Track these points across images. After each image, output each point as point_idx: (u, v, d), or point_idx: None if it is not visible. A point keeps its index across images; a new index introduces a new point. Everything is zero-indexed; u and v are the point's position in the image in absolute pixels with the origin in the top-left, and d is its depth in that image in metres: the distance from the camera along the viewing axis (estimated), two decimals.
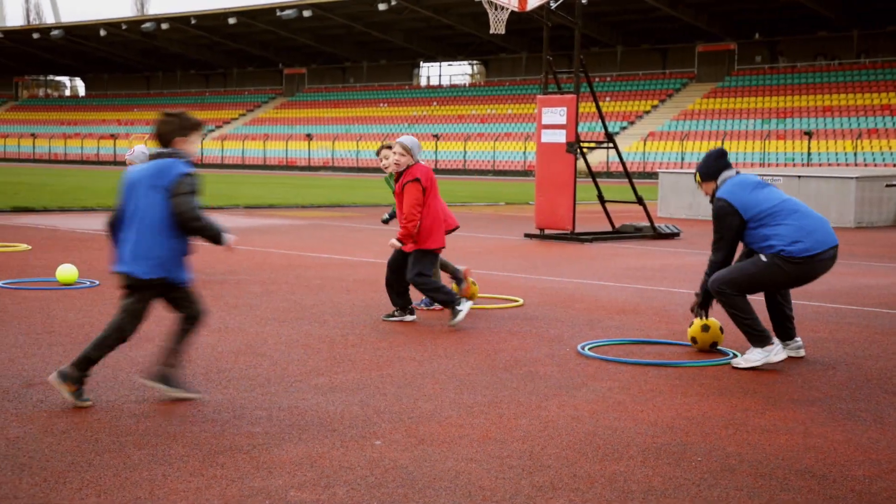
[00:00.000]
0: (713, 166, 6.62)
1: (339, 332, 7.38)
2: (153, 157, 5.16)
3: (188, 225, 5.01)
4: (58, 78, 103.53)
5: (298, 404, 5.22)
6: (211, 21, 73.38)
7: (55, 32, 79.92)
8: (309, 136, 71.33)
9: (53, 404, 5.08)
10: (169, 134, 5.10)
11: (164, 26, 74.44)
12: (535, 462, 4.31)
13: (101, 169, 62.57)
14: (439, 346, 6.94)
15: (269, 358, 6.39)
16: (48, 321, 7.57)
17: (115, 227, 5.18)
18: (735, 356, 6.59)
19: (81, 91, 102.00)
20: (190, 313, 5.30)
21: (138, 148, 10.18)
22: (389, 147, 8.37)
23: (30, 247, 13.23)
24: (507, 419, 5.01)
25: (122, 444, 4.42)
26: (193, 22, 73.88)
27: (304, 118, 78.05)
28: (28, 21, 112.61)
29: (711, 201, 6.63)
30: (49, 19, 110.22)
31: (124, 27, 77.81)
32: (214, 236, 5.11)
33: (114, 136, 78.45)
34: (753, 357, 6.33)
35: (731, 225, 6.38)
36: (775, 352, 6.32)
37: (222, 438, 4.56)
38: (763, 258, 6.36)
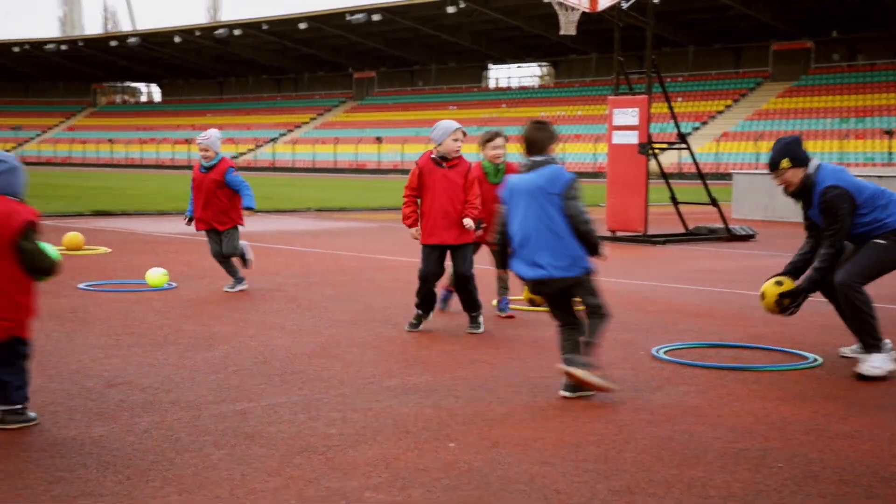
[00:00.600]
0: (802, 152, 6.24)
1: (412, 335, 7.39)
2: (536, 164, 5.52)
3: (578, 227, 5.45)
4: (134, 84, 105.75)
5: (372, 406, 5.24)
6: (282, 26, 74.31)
7: (132, 40, 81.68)
8: (379, 140, 71.80)
9: (134, 404, 5.19)
10: (545, 141, 5.57)
11: (237, 32, 75.60)
12: (611, 466, 4.27)
13: (175, 173, 63.75)
14: (512, 349, 6.92)
15: (342, 360, 6.44)
16: (128, 322, 7.73)
17: (507, 235, 5.62)
18: (816, 360, 6.45)
19: (157, 97, 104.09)
20: (592, 305, 5.54)
21: (213, 132, 9.67)
22: (501, 136, 8.10)
23: (110, 250, 13.53)
24: (582, 423, 4.97)
25: (201, 444, 4.49)
26: (265, 28, 74.91)
27: (374, 121, 78.59)
28: (105, 29, 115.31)
29: (791, 192, 6.27)
30: (125, 27, 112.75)
31: (198, 34, 79.20)
32: (595, 244, 5.51)
33: (188, 141, 79.85)
34: (878, 363, 6.00)
35: (848, 211, 6.07)
36: (894, 357, 6.11)
37: (298, 439, 4.60)
38: (881, 241, 6.10)
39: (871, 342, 6.06)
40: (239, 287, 9.59)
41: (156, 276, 9.65)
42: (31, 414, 4.79)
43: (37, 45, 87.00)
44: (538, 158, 5.55)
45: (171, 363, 6.24)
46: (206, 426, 4.79)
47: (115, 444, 4.46)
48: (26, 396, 4.77)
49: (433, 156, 7.44)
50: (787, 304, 6.32)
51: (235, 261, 9.76)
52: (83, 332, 7.31)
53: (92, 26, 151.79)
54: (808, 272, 6.28)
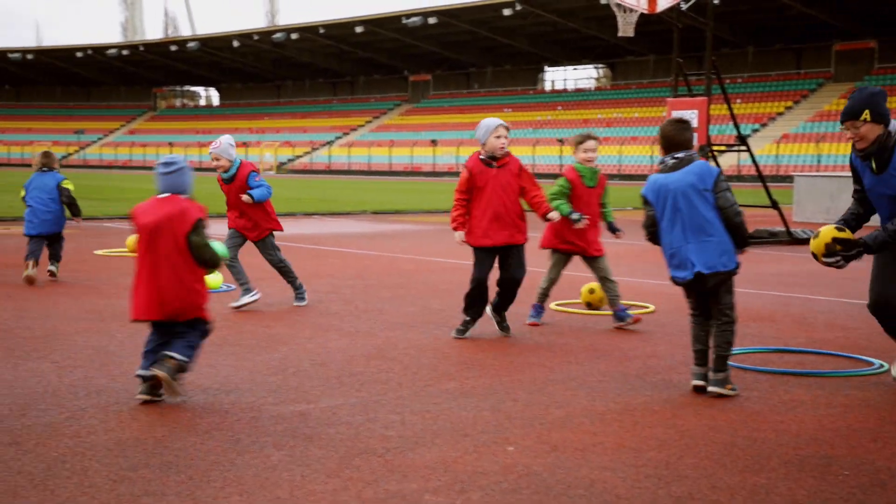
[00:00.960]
0: (886, 108, 5.51)
1: (469, 337, 7.38)
2: (681, 161, 5.56)
3: (731, 219, 5.49)
4: (193, 88, 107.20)
5: (430, 409, 5.24)
6: (339, 30, 74.80)
7: (191, 44, 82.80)
8: (434, 142, 71.93)
9: (195, 404, 5.24)
10: (688, 141, 5.63)
11: (294, 36, 76.25)
12: (672, 472, 4.22)
13: None
14: (570, 352, 6.88)
15: (400, 362, 6.45)
16: None
17: (656, 234, 5.68)
18: (882, 366, 6.32)
19: (215, 101, 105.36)
20: (727, 304, 5.65)
21: (224, 139, 8.85)
22: (593, 138, 7.86)
23: None
24: (642, 427, 4.92)
25: (261, 445, 4.52)
26: (322, 31, 75.46)
27: (429, 124, 78.74)
28: (166, 34, 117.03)
29: (862, 149, 5.55)
30: (185, 32, 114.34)
31: (256, 38, 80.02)
32: (745, 237, 5.56)
33: (245, 144, 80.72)
34: None
35: None
36: None
37: (357, 441, 4.61)
38: None
39: None
40: (300, 299, 8.89)
41: (210, 278, 9.73)
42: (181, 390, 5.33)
43: (99, 50, 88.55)
44: (680, 155, 5.58)
45: (231, 364, 6.30)
46: (266, 427, 4.82)
47: (178, 445, 4.51)
48: (184, 370, 5.30)
49: (481, 156, 7.26)
50: (837, 250, 5.51)
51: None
52: (145, 332, 7.39)
53: (153, 31, 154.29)
54: (877, 231, 5.53)
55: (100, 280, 10.56)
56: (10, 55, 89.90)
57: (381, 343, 7.11)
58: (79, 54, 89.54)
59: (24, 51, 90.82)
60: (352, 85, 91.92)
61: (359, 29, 72.38)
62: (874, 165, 5.58)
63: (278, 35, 76.95)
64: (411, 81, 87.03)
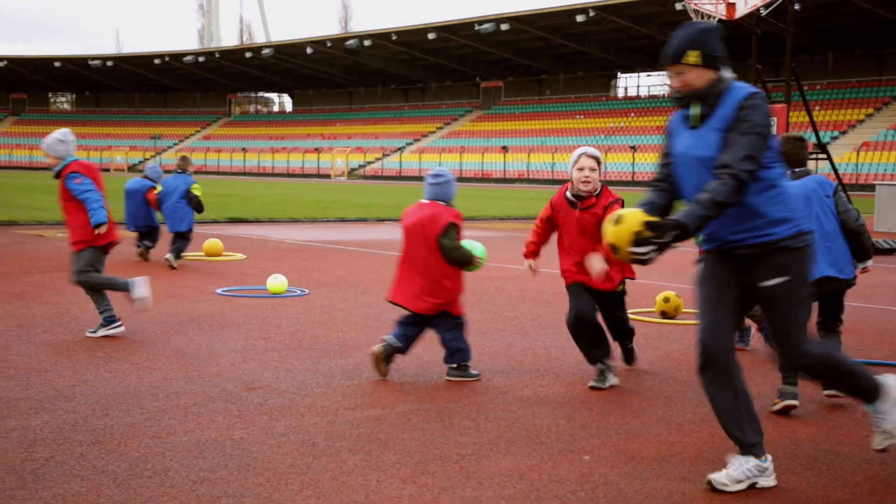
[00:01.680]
0: (720, 49, 4.18)
1: (542, 345, 7.35)
2: (801, 174, 5.83)
3: (850, 224, 5.79)
4: (267, 95, 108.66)
5: (505, 416, 5.22)
6: (411, 37, 75.20)
7: (266, 51, 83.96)
8: (505, 149, 71.86)
9: (272, 408, 5.30)
10: (806, 159, 5.98)
11: (367, 43, 76.86)
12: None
13: (305, 182, 65.18)
14: (644, 361, 6.80)
15: (473, 369, 6.42)
16: (264, 328, 7.91)
17: None
18: None
19: (288, 107, 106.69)
20: (841, 315, 5.89)
21: (56, 133, 7.43)
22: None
23: (244, 256, 13.90)
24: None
25: (337, 450, 4.55)
26: (394, 38, 75.93)
27: (500, 131, 78.69)
28: (241, 41, 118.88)
29: (683, 94, 4.17)
30: (260, 39, 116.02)
31: (329, 44, 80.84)
32: (866, 246, 5.85)
33: (317, 150, 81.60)
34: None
35: (769, 131, 4.10)
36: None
37: (432, 447, 4.61)
38: (787, 275, 4.06)
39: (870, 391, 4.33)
40: (105, 331, 7.29)
41: (276, 283, 9.84)
42: (473, 371, 6.11)
43: (176, 57, 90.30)
44: (799, 170, 5.86)
45: (307, 368, 6.35)
46: (342, 431, 4.85)
47: (255, 447, 4.56)
48: (464, 359, 6.05)
49: (567, 193, 6.09)
50: (648, 237, 3.94)
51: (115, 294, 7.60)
52: (221, 336, 7.52)
53: (228, 38, 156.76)
54: (689, 208, 4.00)
55: (177, 284, 10.74)
56: (90, 62, 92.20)
57: None
58: (156, 61, 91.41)
59: (104, 58, 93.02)
60: (423, 91, 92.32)
61: (431, 35, 72.67)
62: (696, 113, 4.15)
63: (351, 42, 77.64)
64: (483, 88, 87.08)
